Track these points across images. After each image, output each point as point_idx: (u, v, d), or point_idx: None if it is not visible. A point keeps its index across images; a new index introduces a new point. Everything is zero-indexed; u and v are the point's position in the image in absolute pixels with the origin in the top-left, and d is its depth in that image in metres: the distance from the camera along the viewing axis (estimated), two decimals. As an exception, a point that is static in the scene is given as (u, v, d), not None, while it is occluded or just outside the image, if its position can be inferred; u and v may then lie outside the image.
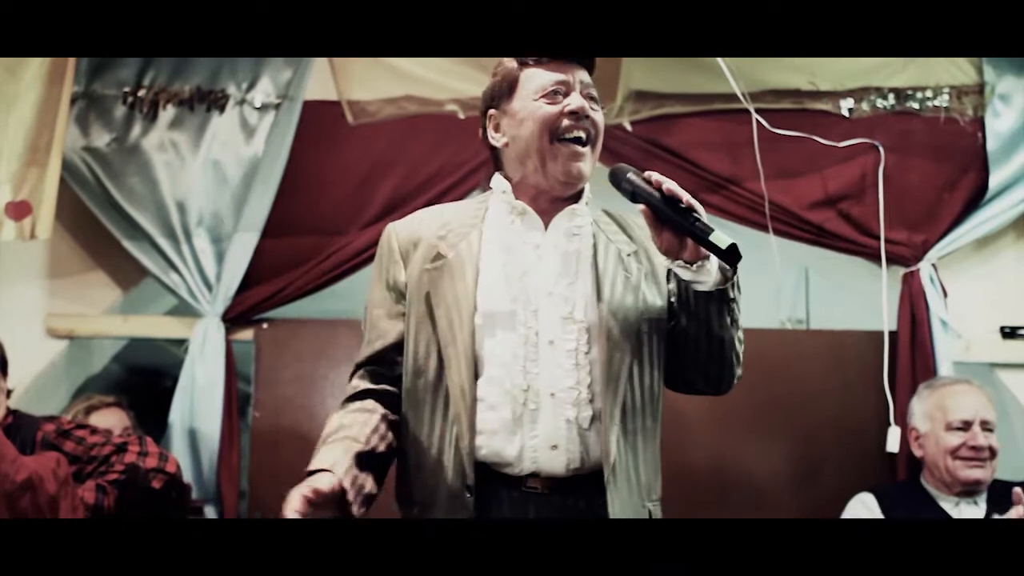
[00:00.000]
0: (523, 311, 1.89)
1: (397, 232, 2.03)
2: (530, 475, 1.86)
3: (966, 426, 2.97)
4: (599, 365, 1.88)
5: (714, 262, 1.82)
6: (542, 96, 1.95)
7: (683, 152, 3.46)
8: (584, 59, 2.00)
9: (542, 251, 1.95)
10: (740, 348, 1.95)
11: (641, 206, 1.83)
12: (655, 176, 1.82)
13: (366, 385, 1.97)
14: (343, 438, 1.88)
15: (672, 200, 1.79)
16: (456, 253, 1.96)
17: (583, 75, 1.99)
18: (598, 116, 1.98)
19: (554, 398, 1.86)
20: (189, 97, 3.54)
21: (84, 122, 3.53)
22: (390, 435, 1.94)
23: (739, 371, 1.98)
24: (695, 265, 1.82)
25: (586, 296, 1.92)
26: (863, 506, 3.01)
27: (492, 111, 2.03)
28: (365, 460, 1.86)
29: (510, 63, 2.02)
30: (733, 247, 1.74)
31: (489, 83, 2.05)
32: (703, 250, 1.80)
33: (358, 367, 2.00)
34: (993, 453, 2.95)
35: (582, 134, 1.94)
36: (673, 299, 1.96)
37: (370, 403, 1.95)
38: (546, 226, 1.97)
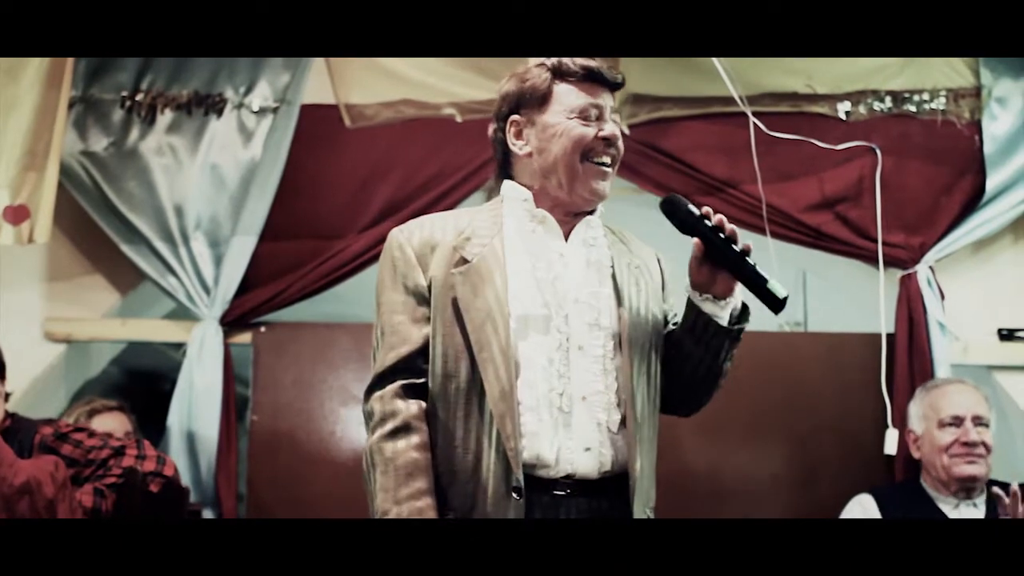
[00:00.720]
0: (556, 315, 1.92)
1: (409, 237, 2.01)
2: (563, 477, 1.88)
3: (958, 422, 2.97)
4: (623, 371, 1.92)
5: (736, 298, 1.92)
6: (577, 116, 1.99)
7: (680, 155, 3.47)
8: (620, 84, 2.05)
9: (567, 259, 1.98)
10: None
11: (695, 240, 1.91)
12: (717, 215, 1.90)
13: (408, 408, 1.91)
14: (425, 493, 1.85)
15: (730, 241, 1.88)
16: (481, 258, 1.95)
17: (611, 100, 2.04)
18: (621, 142, 2.03)
19: (586, 402, 1.90)
20: (187, 101, 3.55)
21: (82, 126, 3.53)
22: None
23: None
24: (723, 301, 1.92)
25: (610, 304, 1.96)
26: (860, 508, 3.01)
27: (516, 117, 2.03)
28: None
29: (540, 71, 2.02)
30: (787, 298, 1.82)
31: (514, 87, 2.04)
32: (732, 286, 1.91)
33: (383, 376, 1.94)
34: (988, 449, 2.94)
35: (609, 159, 2.00)
36: (674, 325, 2.03)
37: (425, 434, 1.90)
38: (565, 235, 2.01)
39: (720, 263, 1.89)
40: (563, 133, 1.97)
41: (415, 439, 1.88)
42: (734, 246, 1.87)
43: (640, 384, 1.93)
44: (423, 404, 1.91)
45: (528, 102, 2.01)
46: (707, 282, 1.92)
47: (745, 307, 1.96)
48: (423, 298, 1.95)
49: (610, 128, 1.99)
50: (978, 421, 2.96)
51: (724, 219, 1.90)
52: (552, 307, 1.92)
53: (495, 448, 1.85)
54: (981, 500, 2.96)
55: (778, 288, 1.82)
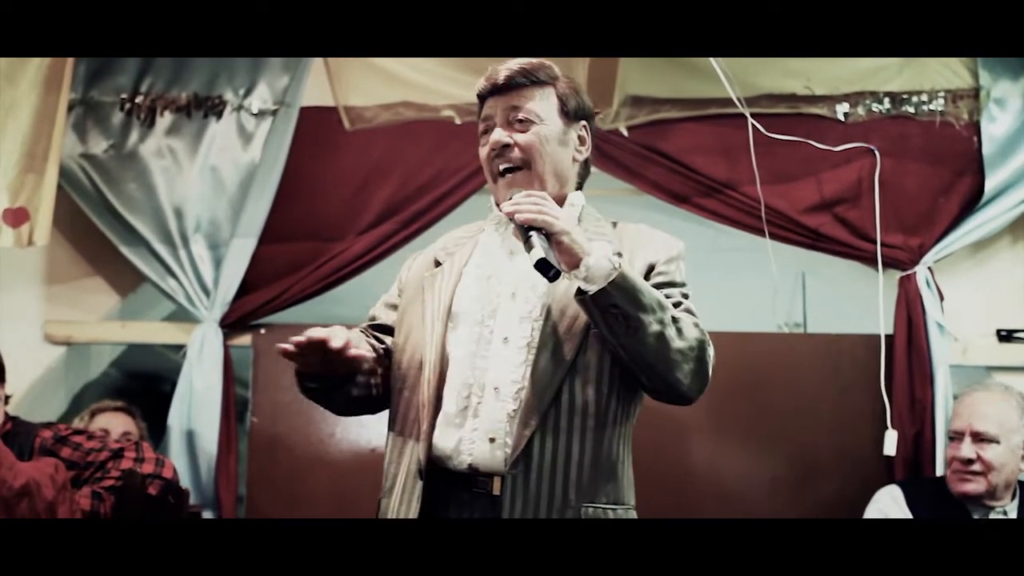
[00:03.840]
0: (481, 310, 1.95)
1: (418, 253, 2.18)
2: (477, 475, 1.87)
3: (959, 436, 2.89)
4: (542, 360, 1.88)
5: (596, 271, 1.81)
6: (480, 138, 2.05)
7: (679, 157, 3.47)
8: (518, 83, 2.01)
9: (516, 254, 1.99)
10: (672, 363, 1.86)
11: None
12: (506, 204, 1.89)
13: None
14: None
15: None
16: (451, 261, 2.05)
17: (516, 99, 2.01)
18: (527, 137, 2.00)
19: (497, 392, 1.89)
20: (186, 103, 3.56)
21: (82, 129, 3.54)
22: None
23: (684, 384, 1.88)
24: (572, 274, 1.83)
25: (544, 294, 1.94)
26: (890, 498, 2.95)
27: None
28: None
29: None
30: (540, 262, 1.76)
31: None
32: (575, 259, 1.82)
33: None
34: (987, 465, 2.82)
35: (509, 164, 2.00)
36: None
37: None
38: None
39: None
40: (481, 160, 2.06)
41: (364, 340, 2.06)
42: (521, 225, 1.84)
43: (557, 372, 1.87)
44: (377, 343, 2.07)
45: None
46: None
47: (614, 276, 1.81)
48: (399, 291, 2.13)
49: (493, 137, 2.01)
50: (977, 437, 2.85)
51: (512, 206, 1.86)
52: (480, 302, 1.96)
53: (415, 435, 1.93)
54: (1013, 505, 2.87)
55: (533, 255, 1.77)
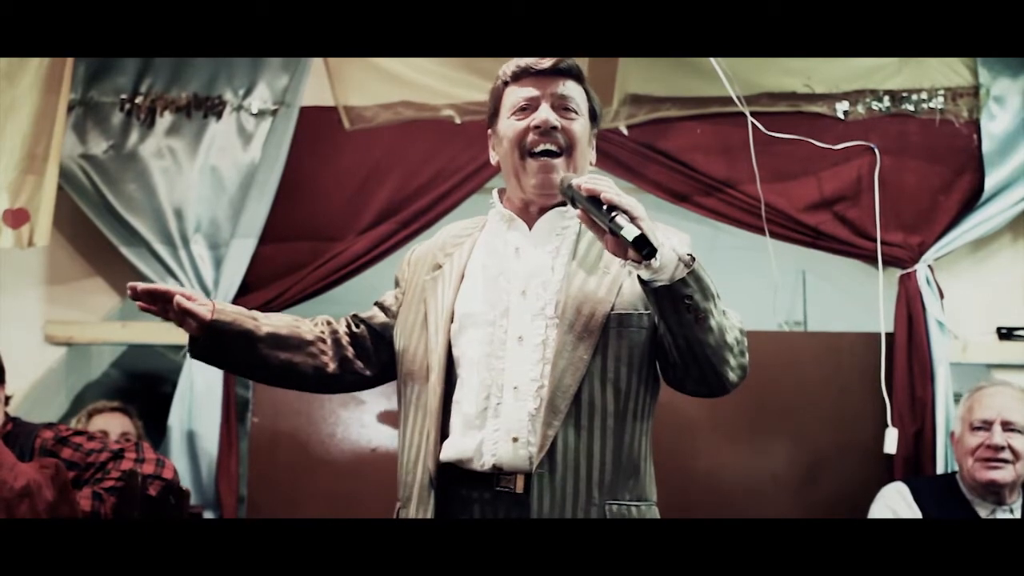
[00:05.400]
0: (492, 310, 1.93)
1: (414, 249, 2.16)
2: (501, 473, 1.86)
3: (987, 426, 2.90)
4: (560, 357, 1.87)
5: (668, 260, 1.76)
6: (513, 114, 2.00)
7: (679, 156, 3.47)
8: (566, 70, 2.01)
9: (521, 252, 1.99)
10: (726, 353, 1.86)
11: (579, 211, 1.82)
12: (578, 181, 1.81)
13: (333, 319, 2.14)
14: (244, 314, 2.05)
15: (594, 199, 1.77)
16: (450, 262, 2.03)
17: (561, 87, 2.00)
18: (573, 125, 1.99)
19: (517, 391, 1.88)
20: (186, 104, 3.56)
21: (81, 129, 3.55)
22: (299, 327, 2.09)
23: (732, 375, 1.89)
24: (643, 263, 1.76)
25: (558, 290, 1.93)
26: (898, 495, 2.96)
27: (489, 130, 2.09)
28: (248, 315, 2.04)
29: (498, 80, 2.06)
30: (640, 238, 1.70)
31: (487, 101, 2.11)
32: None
33: None
34: (1016, 454, 2.85)
35: (551, 147, 1.97)
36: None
37: (310, 327, 2.10)
38: (532, 228, 2.02)
39: (596, 224, 1.77)
40: (504, 134, 2.01)
41: (305, 322, 2.10)
42: (599, 202, 1.75)
43: (579, 368, 1.86)
44: (343, 327, 2.12)
45: (490, 114, 2.08)
46: (619, 249, 1.76)
47: (687, 265, 1.78)
48: (397, 297, 2.12)
49: (541, 115, 1.97)
50: (1008, 426, 2.88)
51: (589, 182, 1.78)
52: (490, 303, 1.94)
53: (425, 443, 1.91)
54: (1018, 505, 2.90)
55: (629, 231, 1.70)
